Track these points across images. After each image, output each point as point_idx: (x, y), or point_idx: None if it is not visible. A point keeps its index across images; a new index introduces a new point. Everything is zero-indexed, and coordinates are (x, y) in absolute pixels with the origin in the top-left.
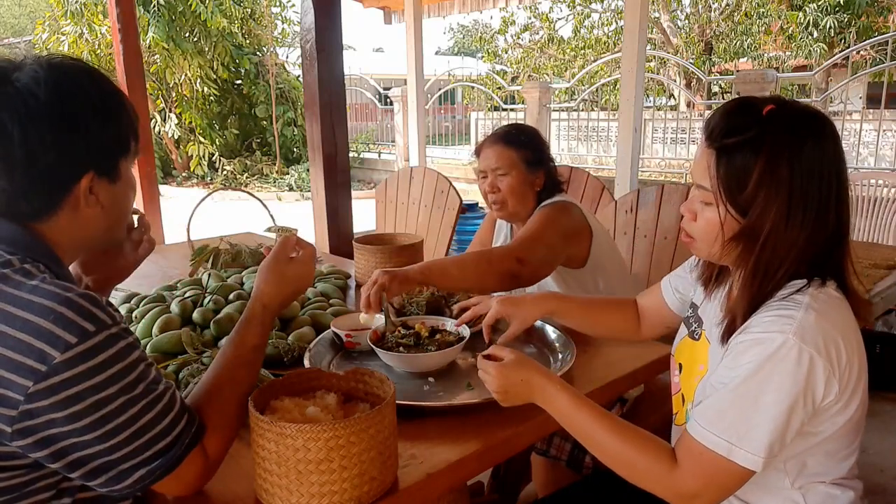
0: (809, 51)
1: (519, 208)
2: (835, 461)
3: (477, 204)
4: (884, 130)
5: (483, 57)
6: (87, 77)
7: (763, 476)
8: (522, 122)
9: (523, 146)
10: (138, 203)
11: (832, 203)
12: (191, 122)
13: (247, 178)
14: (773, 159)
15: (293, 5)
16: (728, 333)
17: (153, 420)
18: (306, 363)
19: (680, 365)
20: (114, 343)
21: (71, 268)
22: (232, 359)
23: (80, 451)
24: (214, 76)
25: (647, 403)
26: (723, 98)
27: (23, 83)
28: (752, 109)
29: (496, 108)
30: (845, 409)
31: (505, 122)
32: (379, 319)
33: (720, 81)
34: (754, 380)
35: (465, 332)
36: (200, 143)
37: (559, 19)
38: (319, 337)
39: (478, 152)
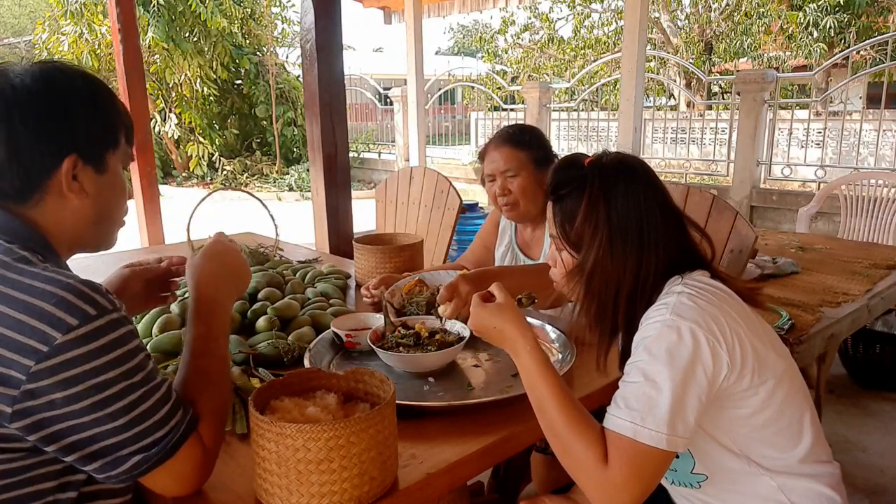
0: (809, 51)
1: (530, 208)
2: (787, 439)
3: (477, 204)
4: (884, 130)
5: (483, 57)
6: (80, 74)
7: (734, 476)
8: (522, 122)
9: (530, 146)
10: (138, 203)
11: (661, 229)
12: (191, 122)
13: (247, 178)
14: (592, 201)
15: (293, 5)
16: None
17: (152, 408)
18: (306, 363)
19: None
20: (115, 328)
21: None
22: (192, 350)
23: (78, 434)
24: (214, 76)
25: None
26: (723, 98)
27: (16, 73)
28: (576, 164)
29: (496, 108)
30: (761, 384)
31: (505, 122)
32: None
33: (720, 81)
34: (646, 363)
35: (465, 332)
36: (200, 143)
37: (559, 19)
38: (319, 337)
39: (482, 156)
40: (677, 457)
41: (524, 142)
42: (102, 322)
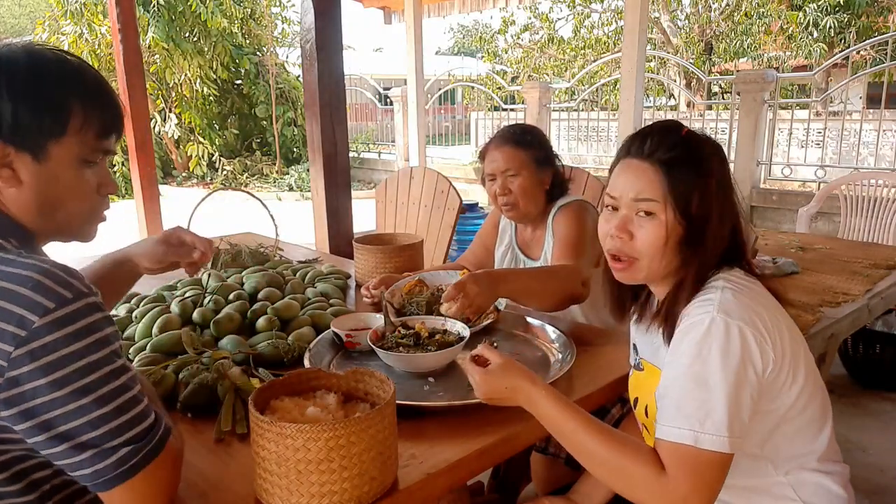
0: (809, 51)
1: (531, 208)
2: (807, 437)
3: (477, 204)
4: (884, 130)
5: (483, 57)
6: (26, 53)
7: (748, 473)
8: (522, 121)
9: (531, 146)
10: (138, 203)
11: (734, 204)
12: (191, 122)
13: (247, 178)
14: (705, 168)
15: (293, 5)
16: (671, 333)
17: (135, 398)
18: (306, 363)
19: (635, 400)
20: (92, 312)
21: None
22: None
23: (66, 424)
24: (214, 76)
25: None
26: (723, 98)
27: None
28: (674, 131)
29: (496, 108)
30: (794, 381)
31: (505, 122)
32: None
33: (720, 81)
34: (696, 365)
35: (465, 332)
36: (200, 143)
37: (559, 19)
38: (319, 337)
39: (482, 156)
40: None
41: (525, 141)
42: (80, 305)
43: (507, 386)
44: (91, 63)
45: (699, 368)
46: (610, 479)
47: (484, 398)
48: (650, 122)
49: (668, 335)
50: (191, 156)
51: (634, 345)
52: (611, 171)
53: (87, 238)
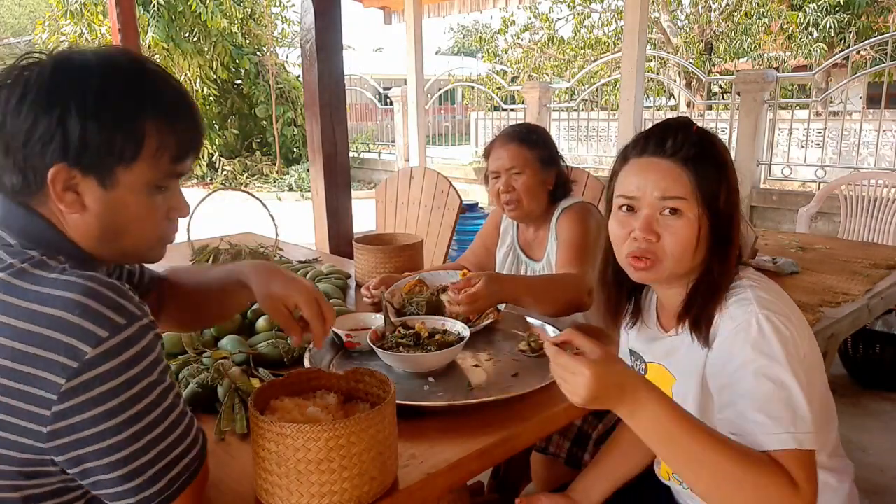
0: (809, 51)
1: (533, 207)
2: (821, 429)
3: (477, 204)
4: (884, 130)
5: (483, 57)
6: (100, 65)
7: None
8: (523, 121)
9: (536, 145)
10: None
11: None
12: None
13: (247, 178)
14: (725, 162)
15: (293, 5)
16: (707, 336)
17: (183, 413)
18: (306, 363)
19: None
20: (145, 335)
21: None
22: None
23: (117, 454)
24: (214, 76)
25: None
26: (723, 98)
27: (46, 54)
28: (687, 127)
29: (496, 108)
30: (810, 367)
31: (505, 122)
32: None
33: (720, 81)
34: (766, 365)
35: (466, 332)
36: None
37: (559, 19)
38: None
39: (487, 153)
40: None
41: (531, 140)
42: (133, 330)
43: (617, 383)
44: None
45: (768, 369)
46: (740, 493)
47: (585, 398)
48: (658, 121)
49: (704, 338)
50: None
51: (632, 350)
52: (615, 173)
53: (153, 261)
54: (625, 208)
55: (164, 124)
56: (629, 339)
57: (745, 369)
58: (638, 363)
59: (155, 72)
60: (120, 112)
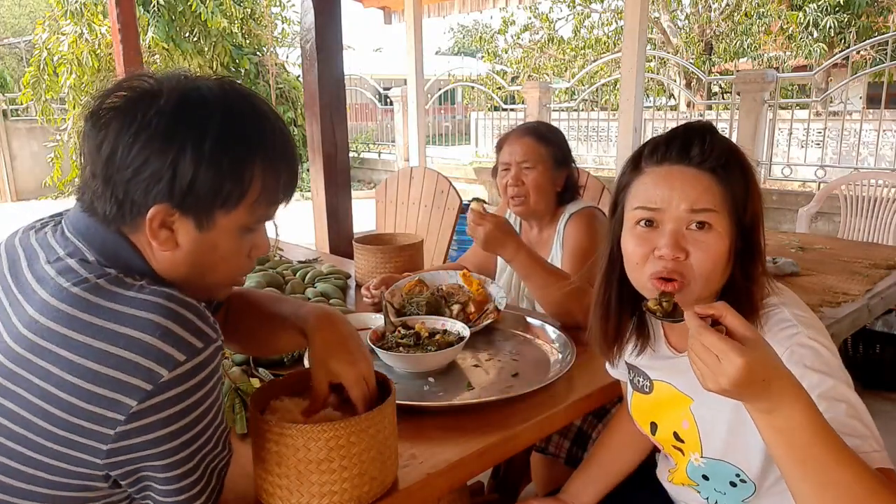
0: (809, 51)
1: (540, 205)
2: None
3: None
4: (884, 130)
5: (483, 57)
6: (224, 111)
7: (782, 486)
8: (523, 121)
9: (551, 143)
10: None
11: None
12: None
13: None
14: (750, 169)
15: (293, 5)
16: None
17: (224, 422)
18: (306, 363)
19: (652, 424)
20: (216, 356)
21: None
22: None
23: (176, 469)
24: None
25: None
26: (723, 98)
27: (173, 85)
28: (712, 132)
29: (496, 108)
30: None
31: (505, 122)
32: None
33: (720, 81)
34: (832, 386)
35: (466, 331)
36: None
37: (559, 19)
38: None
39: (500, 145)
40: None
41: (546, 138)
42: (208, 353)
43: (765, 378)
44: (91, 63)
45: (833, 391)
46: None
47: (724, 387)
48: (678, 125)
49: None
50: None
51: (631, 365)
52: (625, 185)
53: (219, 298)
54: (643, 223)
55: (270, 169)
56: (626, 355)
57: (813, 392)
58: (642, 380)
59: (265, 112)
60: (232, 158)
